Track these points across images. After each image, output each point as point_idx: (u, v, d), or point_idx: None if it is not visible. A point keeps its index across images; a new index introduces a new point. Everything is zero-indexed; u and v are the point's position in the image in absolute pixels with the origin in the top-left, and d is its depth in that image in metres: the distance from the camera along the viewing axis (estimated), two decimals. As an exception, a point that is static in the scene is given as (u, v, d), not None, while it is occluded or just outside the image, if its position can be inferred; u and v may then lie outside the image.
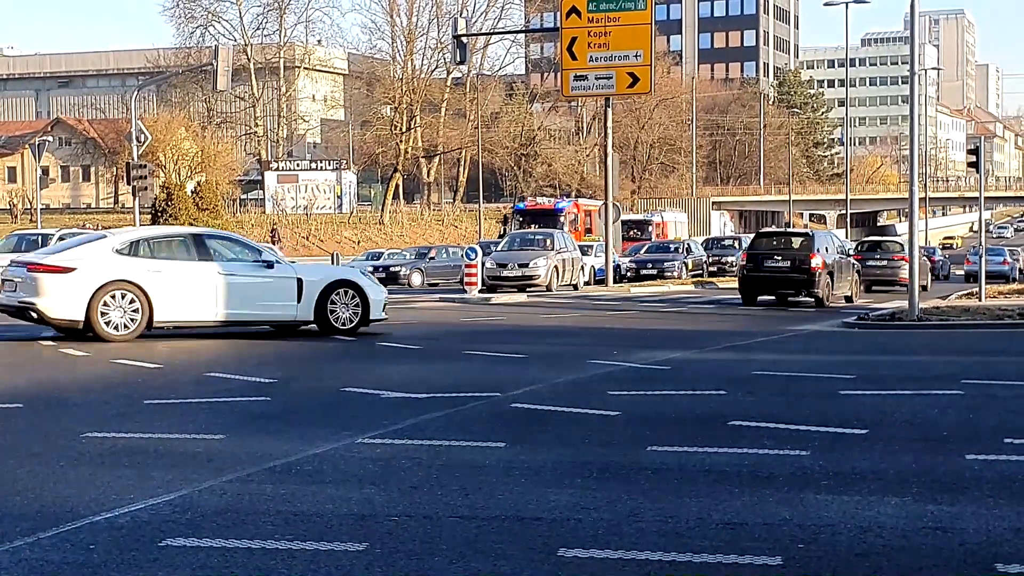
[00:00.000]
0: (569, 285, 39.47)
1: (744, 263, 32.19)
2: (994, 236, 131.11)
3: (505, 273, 37.73)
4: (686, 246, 53.82)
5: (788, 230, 46.10)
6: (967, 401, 11.95)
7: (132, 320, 18.16)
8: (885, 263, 40.12)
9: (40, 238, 34.43)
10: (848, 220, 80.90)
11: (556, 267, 38.12)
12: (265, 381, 13.28)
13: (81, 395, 12.55)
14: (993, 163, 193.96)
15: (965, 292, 36.54)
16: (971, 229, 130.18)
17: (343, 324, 19.64)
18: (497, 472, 8.24)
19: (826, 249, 31.80)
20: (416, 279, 47.80)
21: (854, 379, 13.79)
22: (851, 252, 36.12)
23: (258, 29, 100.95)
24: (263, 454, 8.83)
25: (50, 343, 17.94)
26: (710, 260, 55.06)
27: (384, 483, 7.90)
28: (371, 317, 19.91)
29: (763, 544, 6.35)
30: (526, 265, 37.46)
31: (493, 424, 10.38)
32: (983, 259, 33.09)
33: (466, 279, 35.59)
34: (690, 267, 50.71)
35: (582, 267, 41.21)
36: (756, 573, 5.88)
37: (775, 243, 33.04)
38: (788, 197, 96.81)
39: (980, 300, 30.84)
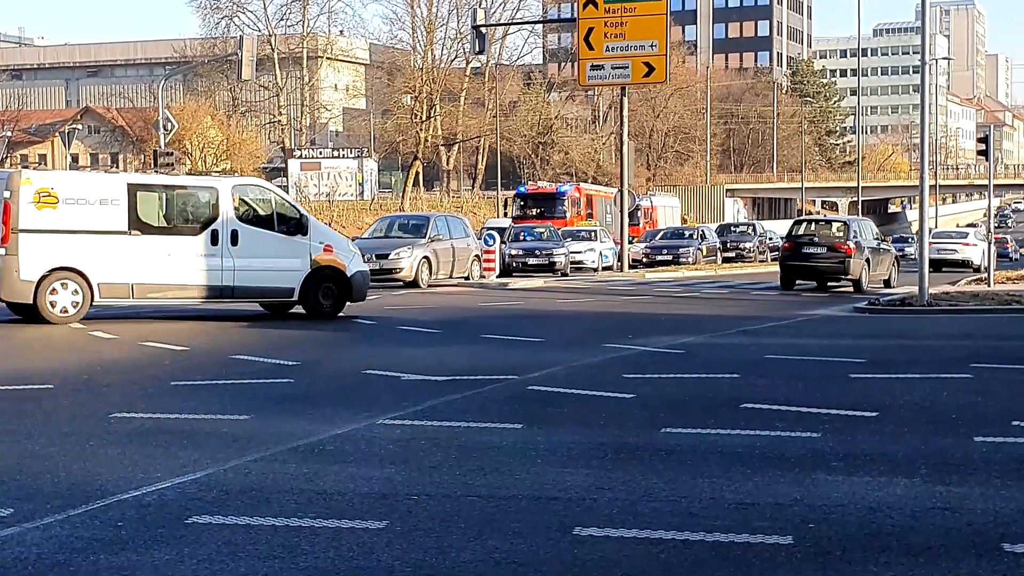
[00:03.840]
0: (461, 278, 34.10)
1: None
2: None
3: None
4: (700, 232, 53.76)
5: None
6: (976, 384, 12.06)
7: None
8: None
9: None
10: (860, 207, 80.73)
11: (427, 258, 31.91)
12: (288, 363, 13.44)
13: (110, 376, 12.67)
14: (1003, 151, 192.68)
15: (975, 278, 36.67)
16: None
17: None
18: (514, 453, 8.36)
19: None
20: None
21: (865, 363, 13.90)
22: None
23: (282, 20, 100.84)
24: (287, 434, 8.97)
25: (80, 326, 18.05)
26: (729, 246, 55.08)
27: (404, 463, 8.04)
28: None
29: (775, 524, 6.47)
30: (385, 256, 31.06)
31: (511, 406, 10.51)
32: (991, 246, 33.34)
33: (484, 264, 35.13)
34: (705, 253, 50.76)
35: (476, 256, 34.98)
36: (768, 552, 5.98)
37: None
38: (801, 184, 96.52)
39: (989, 285, 30.85)
